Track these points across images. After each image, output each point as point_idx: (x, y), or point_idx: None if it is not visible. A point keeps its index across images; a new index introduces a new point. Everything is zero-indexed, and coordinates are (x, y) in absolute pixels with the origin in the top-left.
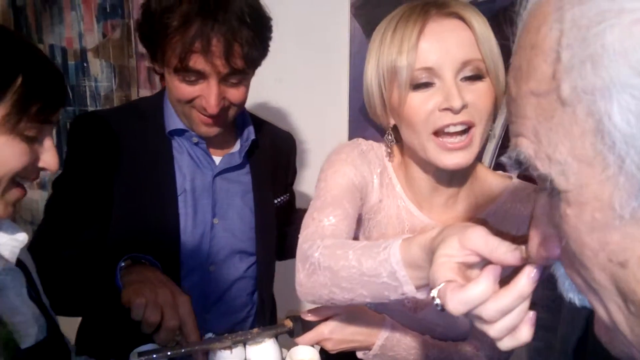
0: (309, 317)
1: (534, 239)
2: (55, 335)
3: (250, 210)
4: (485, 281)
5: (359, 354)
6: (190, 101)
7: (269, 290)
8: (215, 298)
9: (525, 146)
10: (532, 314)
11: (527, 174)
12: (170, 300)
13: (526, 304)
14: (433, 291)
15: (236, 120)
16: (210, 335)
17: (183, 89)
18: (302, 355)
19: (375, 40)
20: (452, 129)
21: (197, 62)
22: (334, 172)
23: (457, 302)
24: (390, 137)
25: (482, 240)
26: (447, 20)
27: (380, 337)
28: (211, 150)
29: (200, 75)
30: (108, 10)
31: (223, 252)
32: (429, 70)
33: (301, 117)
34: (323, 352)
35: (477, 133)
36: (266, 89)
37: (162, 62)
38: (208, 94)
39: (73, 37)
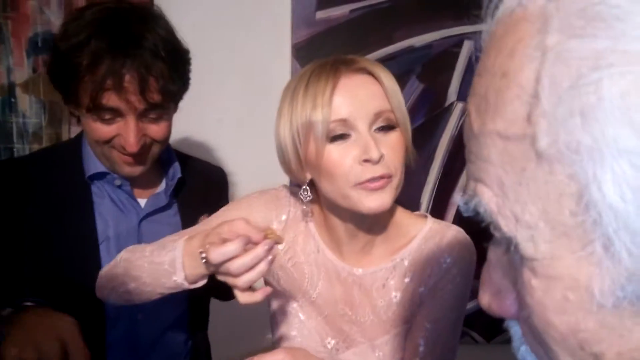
0: None
1: (485, 288)
2: None
3: None
4: (236, 243)
5: None
6: (108, 141)
7: (204, 335)
8: (146, 348)
9: (486, 198)
10: (268, 288)
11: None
12: (50, 332)
13: (263, 265)
14: (202, 248)
15: (161, 158)
16: None
17: (99, 129)
18: None
19: (287, 97)
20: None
21: (110, 99)
22: (224, 210)
23: (216, 254)
24: (305, 193)
25: (242, 226)
26: (357, 76)
27: None
28: (136, 192)
29: (116, 113)
30: (39, 44)
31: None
32: (344, 122)
33: (241, 157)
34: None
35: (393, 182)
36: (206, 128)
37: (75, 103)
38: (126, 132)
39: (1, 71)
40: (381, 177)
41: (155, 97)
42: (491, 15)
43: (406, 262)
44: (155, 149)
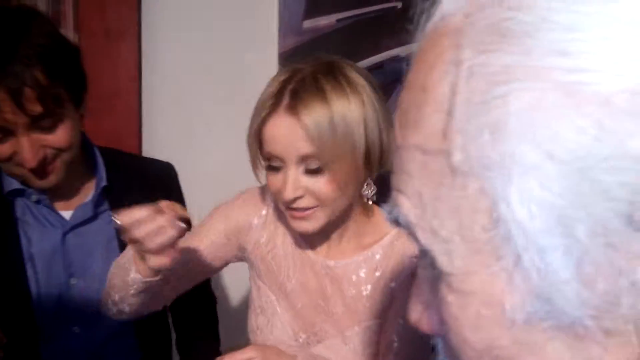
0: None
1: (414, 303)
2: None
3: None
4: (144, 209)
5: None
6: (9, 159)
7: (156, 341)
8: None
9: (406, 209)
10: (175, 252)
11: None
12: None
13: (171, 232)
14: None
15: (87, 164)
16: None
17: None
18: None
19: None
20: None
21: None
22: (206, 217)
23: (126, 216)
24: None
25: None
26: (287, 117)
27: None
28: (60, 205)
29: (5, 132)
30: None
31: (88, 310)
32: (275, 157)
33: (229, 161)
34: None
35: (319, 211)
36: (196, 136)
37: None
38: (19, 148)
39: None
40: (304, 209)
41: (36, 108)
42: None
43: (377, 257)
44: (65, 157)
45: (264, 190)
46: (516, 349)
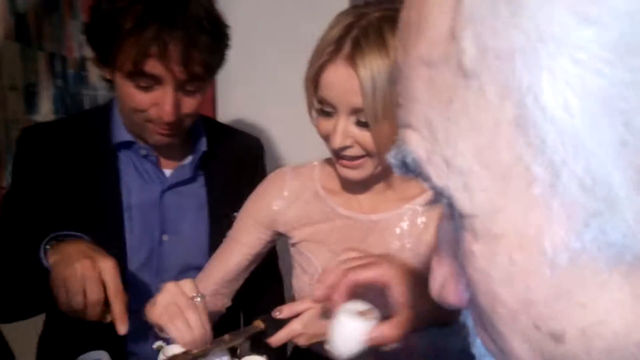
0: (280, 316)
1: (435, 275)
2: None
3: (205, 224)
4: None
5: (327, 347)
6: (144, 110)
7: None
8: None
9: (414, 142)
10: None
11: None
12: (90, 272)
13: None
14: None
15: (189, 130)
16: (160, 343)
17: (136, 96)
18: None
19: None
20: None
21: (153, 66)
22: (246, 204)
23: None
24: None
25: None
26: (346, 68)
27: None
28: (162, 163)
29: (156, 81)
30: None
31: (174, 269)
32: (328, 103)
33: (292, 129)
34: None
35: (367, 161)
36: (264, 105)
37: (113, 67)
38: (163, 101)
39: (74, 45)
40: (352, 158)
41: (197, 70)
42: None
43: (419, 209)
44: (188, 122)
45: (281, 172)
46: (561, 304)
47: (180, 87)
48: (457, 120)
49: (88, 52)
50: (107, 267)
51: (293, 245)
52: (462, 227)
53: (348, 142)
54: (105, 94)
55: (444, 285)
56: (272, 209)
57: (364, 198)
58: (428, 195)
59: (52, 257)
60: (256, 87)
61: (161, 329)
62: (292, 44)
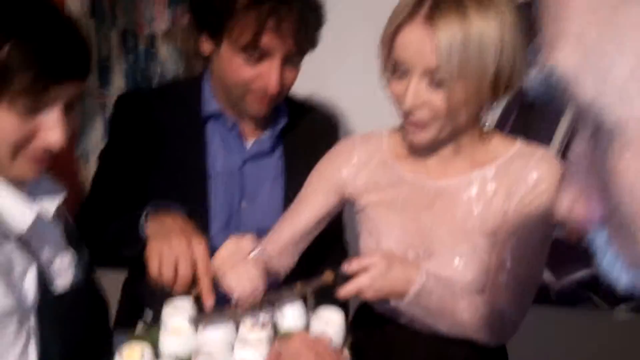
0: (349, 269)
1: (566, 195)
2: (91, 284)
3: (281, 194)
4: None
5: (392, 302)
6: (247, 83)
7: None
8: None
9: (564, 57)
10: None
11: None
12: (184, 249)
13: None
14: None
15: None
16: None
17: (243, 69)
18: (328, 316)
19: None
20: None
21: (269, 40)
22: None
23: None
24: None
25: None
26: (420, 27)
27: (415, 285)
28: (245, 135)
29: (266, 55)
30: None
31: (250, 233)
32: (402, 63)
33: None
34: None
35: (436, 125)
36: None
37: (220, 41)
38: (270, 73)
39: (144, 23)
40: (421, 121)
41: (305, 44)
42: None
43: (490, 176)
44: (283, 94)
45: (350, 140)
46: None
47: (286, 61)
48: (617, 34)
49: (158, 29)
50: (200, 246)
51: (360, 211)
52: (611, 139)
53: (419, 104)
54: (174, 70)
55: (575, 205)
56: (341, 175)
57: (432, 164)
58: (499, 161)
59: (150, 227)
60: (325, 59)
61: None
62: (359, 14)
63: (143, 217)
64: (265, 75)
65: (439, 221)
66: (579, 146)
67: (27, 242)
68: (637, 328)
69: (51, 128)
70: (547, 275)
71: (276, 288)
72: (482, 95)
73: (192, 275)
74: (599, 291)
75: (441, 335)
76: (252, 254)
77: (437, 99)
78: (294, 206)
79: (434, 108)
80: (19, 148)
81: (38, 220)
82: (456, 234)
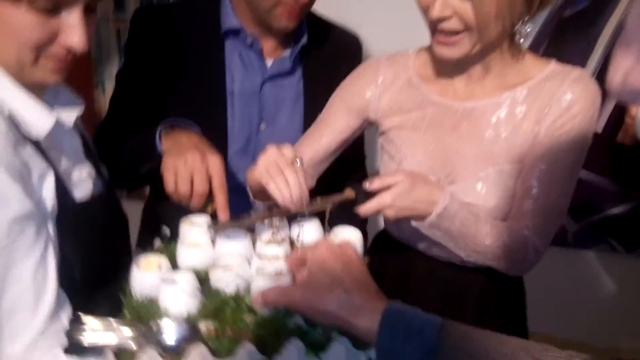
0: (371, 187)
1: (620, 64)
2: (111, 197)
3: (301, 116)
4: None
5: (413, 223)
6: None
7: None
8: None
9: None
10: None
11: None
12: (199, 165)
13: None
14: None
15: None
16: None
17: None
18: (345, 235)
19: None
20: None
21: None
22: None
23: None
24: None
25: None
26: None
27: (439, 206)
28: (265, 53)
29: None
30: None
31: None
32: None
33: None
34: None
35: (465, 37)
36: None
37: None
38: None
39: None
40: (450, 34)
41: None
42: None
43: (520, 98)
44: (309, 5)
45: (376, 60)
46: None
47: None
48: None
49: None
50: (215, 161)
51: (382, 133)
52: None
53: (447, 12)
54: None
55: (629, 73)
56: (365, 96)
57: (460, 84)
58: (531, 83)
59: (165, 143)
60: None
61: (258, 192)
62: None
63: (158, 134)
64: None
65: (464, 144)
66: (635, 14)
67: (45, 150)
68: None
69: (72, 28)
70: (565, 218)
71: None
72: (515, 8)
73: (208, 190)
74: (616, 235)
75: (459, 262)
76: (295, 162)
77: (467, 8)
78: (314, 127)
79: (463, 18)
80: (40, 50)
81: (56, 129)
82: (481, 158)
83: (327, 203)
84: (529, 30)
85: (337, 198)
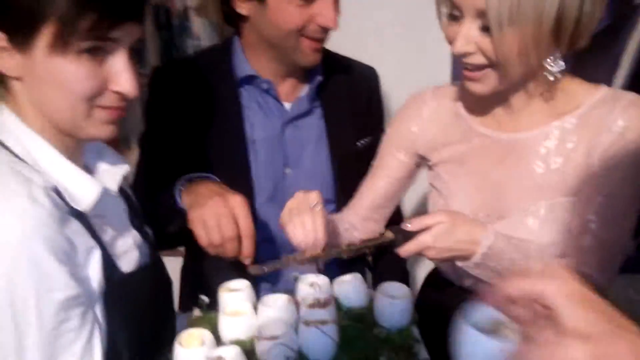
0: (410, 227)
1: None
2: (156, 263)
3: (326, 156)
4: None
5: (459, 264)
6: (302, 26)
7: None
8: (293, 249)
9: None
10: None
11: None
12: (223, 209)
13: None
14: None
15: None
16: (296, 273)
17: (300, 11)
18: (392, 291)
19: None
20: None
21: None
22: (389, 130)
23: None
24: None
25: None
26: None
27: (483, 246)
28: (282, 97)
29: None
30: None
31: None
32: (455, 6)
33: (403, 57)
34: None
35: (491, 73)
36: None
37: None
38: (327, 8)
39: None
40: (475, 68)
41: None
42: None
43: (570, 127)
44: (327, 37)
45: (421, 93)
46: None
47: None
48: None
49: (191, 3)
50: (237, 202)
51: (430, 168)
52: None
53: (470, 48)
54: (209, 44)
55: None
56: (411, 130)
57: (505, 115)
58: (581, 111)
59: (186, 199)
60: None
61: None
62: None
63: (177, 192)
64: (324, 9)
65: (512, 177)
66: None
67: (91, 221)
68: None
69: (120, 73)
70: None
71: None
72: (542, 44)
73: (237, 233)
74: None
75: None
76: (315, 208)
77: (490, 43)
78: (371, 172)
79: (487, 53)
80: (92, 100)
81: (102, 197)
82: (531, 191)
83: (367, 245)
84: (561, 68)
85: (376, 240)
